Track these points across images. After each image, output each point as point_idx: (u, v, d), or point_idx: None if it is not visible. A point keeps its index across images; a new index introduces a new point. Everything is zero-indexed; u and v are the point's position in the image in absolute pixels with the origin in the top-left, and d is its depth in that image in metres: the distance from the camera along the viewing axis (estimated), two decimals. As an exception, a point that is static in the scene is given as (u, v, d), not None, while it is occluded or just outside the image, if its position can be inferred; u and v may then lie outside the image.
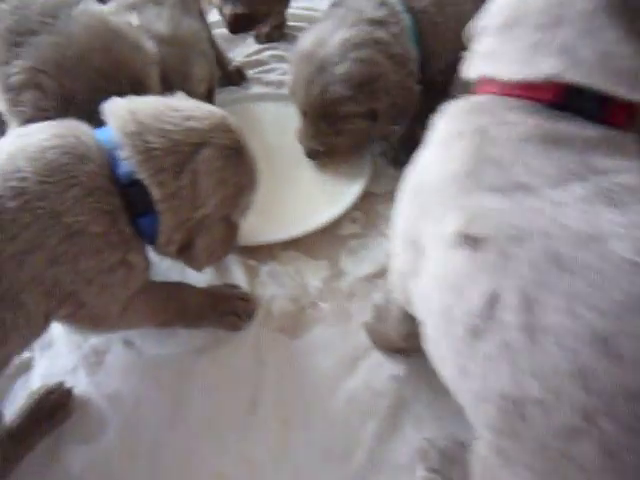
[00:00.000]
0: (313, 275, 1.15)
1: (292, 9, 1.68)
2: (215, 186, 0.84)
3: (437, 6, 1.21)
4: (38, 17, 0.92)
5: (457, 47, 1.25)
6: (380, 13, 1.16)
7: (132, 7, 1.16)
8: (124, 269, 0.83)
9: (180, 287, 1.04)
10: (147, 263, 0.89)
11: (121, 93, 0.87)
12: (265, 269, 1.16)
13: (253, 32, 1.65)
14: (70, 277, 0.78)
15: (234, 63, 1.57)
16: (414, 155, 1.35)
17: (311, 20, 1.70)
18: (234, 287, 1.10)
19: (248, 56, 1.61)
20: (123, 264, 0.82)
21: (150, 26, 1.13)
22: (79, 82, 0.90)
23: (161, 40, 1.13)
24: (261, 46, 1.66)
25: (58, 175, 0.75)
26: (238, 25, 1.37)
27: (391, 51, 1.15)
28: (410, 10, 1.19)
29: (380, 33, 1.15)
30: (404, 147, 1.33)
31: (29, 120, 0.88)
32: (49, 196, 0.74)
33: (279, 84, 1.54)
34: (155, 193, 0.80)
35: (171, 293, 1.02)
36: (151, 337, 1.05)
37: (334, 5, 1.24)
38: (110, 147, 0.80)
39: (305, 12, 1.73)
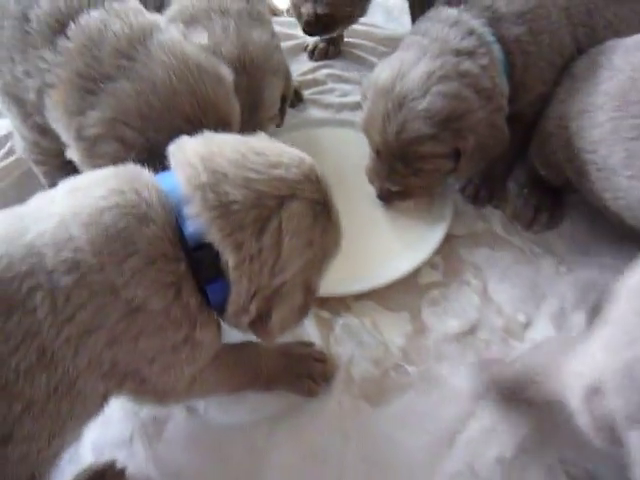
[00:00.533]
0: (394, 330, 1.02)
1: (347, 24, 1.56)
2: (302, 248, 0.70)
3: (531, 35, 1.09)
4: (112, 60, 0.81)
5: (550, 77, 1.15)
6: (468, 43, 1.05)
7: (195, 18, 1.05)
8: (190, 347, 0.71)
9: (249, 349, 0.91)
10: (218, 334, 0.76)
11: None
12: (339, 322, 1.03)
13: (312, 47, 1.55)
14: (130, 357, 0.67)
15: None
16: (497, 192, 1.26)
17: (368, 36, 1.60)
18: (309, 345, 0.98)
19: (303, 74, 1.49)
20: (188, 342, 0.70)
21: (217, 46, 1.02)
22: (164, 132, 0.79)
23: (230, 63, 1.01)
24: (316, 64, 1.53)
25: (115, 243, 0.64)
26: (316, 26, 1.24)
27: (479, 85, 1.04)
28: (501, 39, 1.07)
29: (467, 65, 1.03)
30: (485, 183, 1.21)
31: None
32: (106, 268, 0.63)
33: (339, 107, 1.43)
34: (230, 257, 0.66)
35: (240, 357, 0.89)
36: (217, 403, 0.93)
37: (413, 33, 1.12)
38: (177, 202, 0.67)
39: (362, 27, 1.60)
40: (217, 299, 0.70)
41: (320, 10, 1.18)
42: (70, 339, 0.62)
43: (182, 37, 0.88)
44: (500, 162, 1.20)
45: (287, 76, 1.17)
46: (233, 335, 0.95)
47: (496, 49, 1.07)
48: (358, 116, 1.35)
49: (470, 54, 1.04)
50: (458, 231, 1.16)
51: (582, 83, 1.06)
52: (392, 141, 1.06)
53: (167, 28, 0.87)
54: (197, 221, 0.66)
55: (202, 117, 0.83)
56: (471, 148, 1.05)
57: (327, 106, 1.43)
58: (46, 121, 0.89)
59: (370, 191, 1.18)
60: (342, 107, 1.42)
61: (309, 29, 1.24)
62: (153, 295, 0.65)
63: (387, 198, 1.16)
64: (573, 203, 1.18)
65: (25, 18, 0.85)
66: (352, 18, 1.25)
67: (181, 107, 0.80)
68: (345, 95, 1.45)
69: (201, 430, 0.90)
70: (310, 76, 1.50)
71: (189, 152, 0.70)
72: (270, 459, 0.87)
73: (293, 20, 1.65)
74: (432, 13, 1.12)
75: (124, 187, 0.67)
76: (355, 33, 1.59)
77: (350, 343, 1.00)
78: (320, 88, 1.47)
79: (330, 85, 1.48)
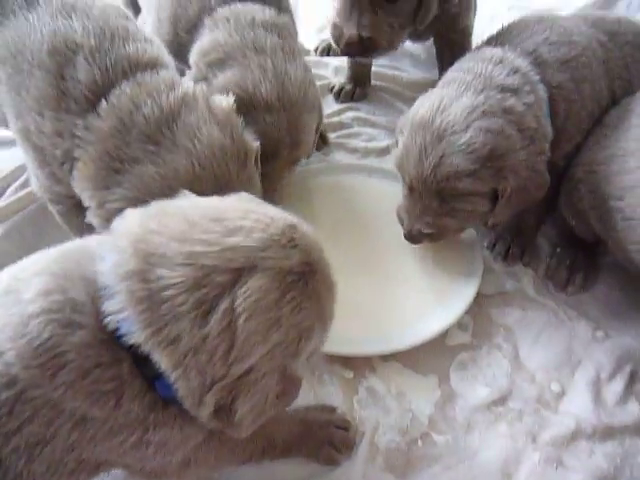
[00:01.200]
0: (421, 397, 0.97)
1: (374, 67, 1.55)
2: (265, 330, 0.59)
3: (574, 82, 1.07)
4: (140, 144, 0.83)
5: (587, 128, 1.12)
6: (513, 80, 1.02)
7: (229, 56, 1.04)
8: (152, 446, 0.64)
9: None
10: (189, 426, 0.65)
11: None
12: (364, 384, 0.98)
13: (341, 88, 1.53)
14: (96, 455, 0.63)
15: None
16: (528, 249, 1.21)
17: (394, 81, 1.58)
18: (331, 411, 0.92)
19: (329, 117, 1.46)
20: (144, 443, 0.64)
21: (256, 87, 1.01)
22: None
23: (268, 108, 1.01)
24: (342, 106, 1.51)
25: (43, 356, 0.58)
26: (357, 48, 1.21)
27: (524, 124, 1.00)
28: (544, 83, 1.05)
29: (512, 102, 1.00)
30: (516, 239, 1.17)
31: None
32: (40, 383, 0.58)
33: (365, 152, 1.39)
34: (162, 357, 0.57)
35: None
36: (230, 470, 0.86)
37: (454, 71, 1.08)
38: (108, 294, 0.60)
39: (388, 71, 1.59)
40: (170, 394, 0.60)
41: (363, 32, 1.16)
42: (19, 449, 0.59)
43: (208, 109, 0.89)
44: (531, 214, 1.17)
45: (320, 108, 1.18)
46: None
47: (541, 89, 1.04)
48: (385, 162, 1.34)
49: (515, 91, 1.01)
50: (487, 290, 1.11)
51: (612, 130, 1.04)
52: (428, 176, 0.99)
53: (195, 103, 0.88)
54: (122, 318, 0.58)
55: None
56: (510, 190, 0.99)
57: (353, 150, 1.40)
58: (64, 173, 0.89)
59: (398, 245, 1.14)
60: (368, 152, 1.39)
61: (349, 50, 1.21)
62: (93, 406, 0.59)
63: (416, 240, 1.10)
64: (607, 266, 1.14)
65: (61, 76, 0.85)
66: (392, 44, 1.23)
67: (201, 191, 0.77)
68: (371, 140, 1.43)
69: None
70: (336, 118, 1.47)
71: (122, 232, 0.62)
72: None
73: (319, 59, 1.65)
74: (474, 53, 1.11)
75: (52, 285, 0.60)
76: (382, 77, 1.57)
77: (375, 408, 0.95)
78: (346, 131, 1.44)
79: (356, 129, 1.45)
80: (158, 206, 0.65)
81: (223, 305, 0.57)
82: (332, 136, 1.42)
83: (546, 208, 1.18)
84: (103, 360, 0.59)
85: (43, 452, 0.59)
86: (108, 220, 0.79)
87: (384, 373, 0.99)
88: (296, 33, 1.18)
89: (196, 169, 0.83)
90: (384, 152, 1.39)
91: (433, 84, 1.10)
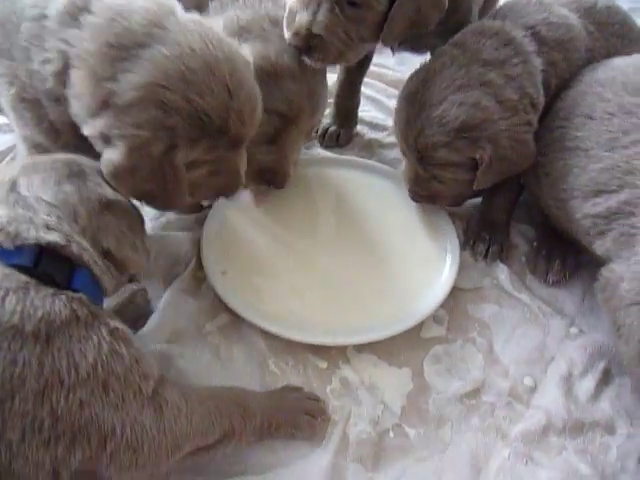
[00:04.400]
0: (394, 388, 0.97)
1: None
2: None
3: (567, 63, 1.11)
4: (145, 29, 0.80)
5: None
6: (499, 54, 1.06)
7: (246, 30, 1.04)
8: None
9: (234, 391, 0.88)
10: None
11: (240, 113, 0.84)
12: (338, 375, 0.98)
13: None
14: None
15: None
16: (507, 245, 1.22)
17: (379, 78, 1.58)
18: (297, 389, 0.94)
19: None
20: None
21: (278, 57, 1.03)
22: (207, 96, 0.80)
23: (292, 76, 1.04)
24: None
25: None
26: (303, 42, 1.05)
27: (502, 96, 1.03)
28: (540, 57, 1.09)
29: (492, 75, 1.04)
30: (493, 237, 1.17)
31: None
32: None
33: (348, 146, 1.39)
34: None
35: (222, 402, 0.83)
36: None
37: (449, 44, 1.11)
38: None
39: (374, 69, 1.58)
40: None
41: (314, 28, 1.02)
42: None
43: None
44: (502, 210, 1.20)
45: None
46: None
47: (535, 60, 1.07)
48: (367, 156, 1.35)
49: (499, 64, 1.05)
50: (464, 285, 1.12)
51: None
52: (412, 146, 1.08)
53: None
54: None
55: (237, 87, 0.83)
56: (489, 159, 1.04)
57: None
58: (63, 118, 0.87)
59: (374, 239, 1.15)
60: (352, 146, 1.40)
61: (295, 41, 1.04)
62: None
63: (416, 199, 1.18)
64: (583, 264, 1.14)
65: (43, 16, 0.84)
66: (343, 55, 1.07)
67: (221, 73, 0.80)
68: (355, 134, 1.43)
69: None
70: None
71: None
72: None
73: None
74: (473, 25, 1.14)
75: None
76: (367, 74, 1.57)
77: (347, 399, 0.95)
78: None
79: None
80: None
81: None
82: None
83: (516, 199, 1.21)
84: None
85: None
86: (119, 122, 0.79)
87: (358, 364, 0.99)
88: None
89: (211, 49, 0.82)
90: (366, 146, 1.39)
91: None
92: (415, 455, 0.89)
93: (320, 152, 1.38)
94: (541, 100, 1.07)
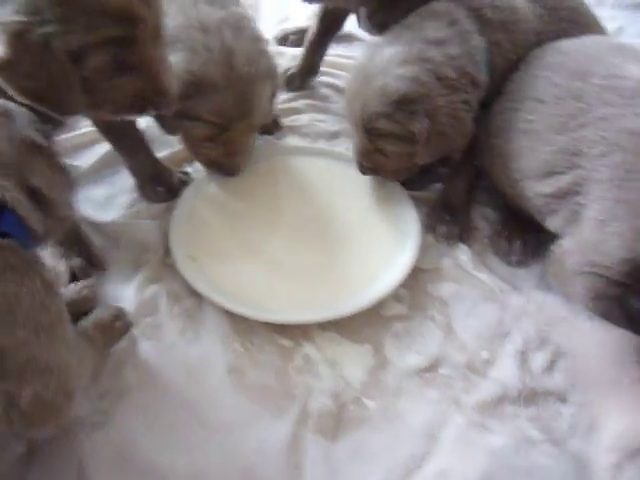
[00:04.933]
0: (355, 364, 1.00)
1: (328, 56, 1.58)
2: None
3: (512, 44, 1.15)
4: None
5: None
6: (441, 33, 1.10)
7: (173, 38, 1.03)
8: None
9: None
10: None
11: None
12: (300, 352, 1.01)
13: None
14: None
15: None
16: (468, 227, 1.26)
17: (346, 68, 1.61)
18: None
19: (282, 103, 1.49)
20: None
21: (202, 71, 1.04)
22: None
23: (215, 88, 1.05)
24: (296, 94, 1.54)
25: None
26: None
27: (442, 73, 1.08)
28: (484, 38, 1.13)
29: (432, 53, 1.08)
30: (453, 218, 1.21)
31: None
32: None
33: (315, 136, 1.43)
34: None
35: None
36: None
37: (399, 24, 1.16)
38: None
39: (343, 60, 1.63)
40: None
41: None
42: None
43: None
44: (461, 191, 1.24)
45: (274, 73, 1.19)
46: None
47: (476, 39, 1.11)
48: (334, 145, 1.39)
49: (440, 43, 1.09)
50: (424, 264, 1.15)
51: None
52: (357, 116, 1.13)
53: None
54: None
55: None
56: (427, 133, 1.08)
57: (304, 135, 1.43)
58: None
59: (338, 220, 1.19)
60: (319, 136, 1.43)
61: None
62: None
63: (363, 172, 1.23)
64: (544, 242, 1.18)
65: None
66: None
67: None
68: (322, 123, 1.46)
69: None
70: (289, 105, 1.50)
71: None
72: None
73: (277, 49, 1.68)
74: (423, 7, 1.17)
75: None
76: (335, 65, 1.61)
77: (309, 375, 0.98)
78: (298, 117, 1.48)
79: (308, 114, 1.48)
80: None
81: None
82: (285, 121, 1.45)
83: (475, 181, 1.26)
84: None
85: None
86: None
87: (321, 342, 1.02)
88: None
89: None
90: (334, 136, 1.43)
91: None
92: (373, 425, 0.92)
93: (288, 141, 1.41)
94: (483, 79, 1.11)
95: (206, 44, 1.05)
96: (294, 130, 1.44)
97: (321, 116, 1.48)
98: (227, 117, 1.08)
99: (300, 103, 1.51)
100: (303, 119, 1.47)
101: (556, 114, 1.03)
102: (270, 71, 1.15)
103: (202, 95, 1.05)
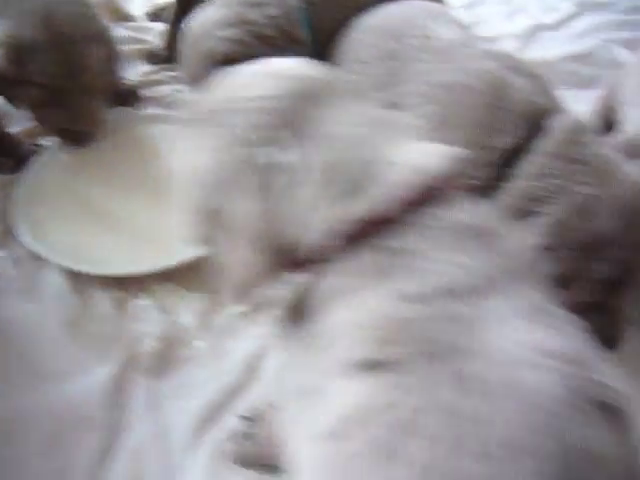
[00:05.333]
0: (188, 311, 1.06)
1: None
2: None
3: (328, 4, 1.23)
4: None
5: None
6: None
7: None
8: None
9: None
10: None
11: None
12: (135, 303, 1.07)
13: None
14: None
15: (128, 82, 1.48)
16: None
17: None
18: None
19: (145, 75, 1.53)
20: None
21: (25, 33, 1.09)
22: None
23: (36, 48, 1.09)
24: (158, 67, 1.58)
25: None
26: None
27: (263, 33, 1.14)
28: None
29: (253, 15, 1.15)
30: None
31: None
32: None
33: (177, 107, 1.46)
34: None
35: None
36: None
37: None
38: None
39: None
40: None
41: None
42: None
43: None
44: None
45: (106, 38, 1.25)
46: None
47: (294, 0, 1.19)
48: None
49: (258, 5, 1.16)
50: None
51: None
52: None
53: None
54: None
55: None
56: None
57: (166, 105, 1.46)
58: None
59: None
60: (181, 106, 1.46)
61: None
62: None
63: None
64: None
65: None
66: None
67: None
68: (185, 94, 1.49)
69: None
70: (150, 77, 1.54)
71: None
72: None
73: (142, 25, 1.72)
74: None
75: None
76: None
77: (143, 323, 1.03)
78: (160, 88, 1.52)
79: (171, 85, 1.52)
80: None
81: None
82: (147, 92, 1.49)
83: None
84: None
85: None
86: None
87: (157, 292, 1.08)
88: None
89: None
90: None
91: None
92: (200, 363, 0.99)
93: (145, 111, 1.46)
94: (300, 35, 1.19)
95: (30, 9, 1.11)
96: (157, 101, 1.48)
97: (183, 87, 1.52)
98: (53, 76, 1.12)
99: (162, 75, 1.55)
100: (165, 90, 1.51)
101: (377, 73, 1.10)
102: (98, 34, 1.20)
103: (27, 58, 1.09)
